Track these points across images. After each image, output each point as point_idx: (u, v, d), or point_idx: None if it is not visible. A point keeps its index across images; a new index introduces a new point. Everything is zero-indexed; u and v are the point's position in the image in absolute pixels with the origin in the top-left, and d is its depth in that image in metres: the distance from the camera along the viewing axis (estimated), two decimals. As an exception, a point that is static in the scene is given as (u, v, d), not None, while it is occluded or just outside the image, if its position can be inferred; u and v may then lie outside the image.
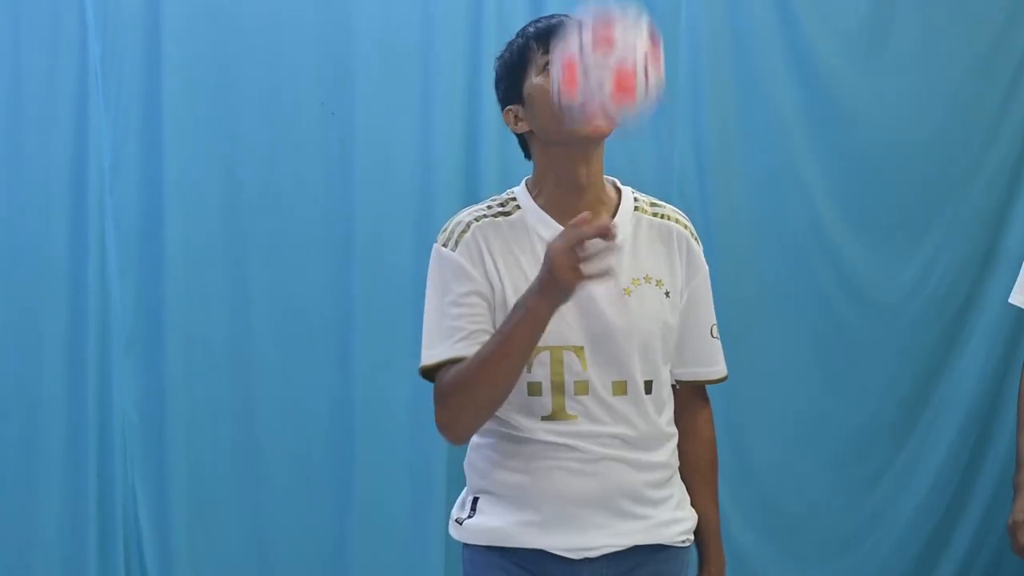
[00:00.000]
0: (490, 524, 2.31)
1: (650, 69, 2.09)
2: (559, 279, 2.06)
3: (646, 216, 2.34)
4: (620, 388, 2.28)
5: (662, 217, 2.35)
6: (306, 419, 3.71)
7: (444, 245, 2.28)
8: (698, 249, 2.38)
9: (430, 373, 2.27)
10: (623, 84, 2.06)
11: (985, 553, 4.03)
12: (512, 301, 2.20)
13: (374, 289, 3.70)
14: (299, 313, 3.71)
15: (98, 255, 3.56)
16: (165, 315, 3.63)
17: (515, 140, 2.35)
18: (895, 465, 4.06)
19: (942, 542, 4.07)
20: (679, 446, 2.39)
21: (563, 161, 2.28)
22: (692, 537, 2.40)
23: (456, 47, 3.73)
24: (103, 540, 3.57)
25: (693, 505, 2.41)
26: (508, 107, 2.30)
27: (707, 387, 2.45)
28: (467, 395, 2.21)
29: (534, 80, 2.25)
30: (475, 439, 2.34)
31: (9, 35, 3.53)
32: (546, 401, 2.26)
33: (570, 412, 2.26)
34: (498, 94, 2.33)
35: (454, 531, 2.38)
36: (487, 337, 2.22)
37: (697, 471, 2.43)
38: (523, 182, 2.35)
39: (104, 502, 3.57)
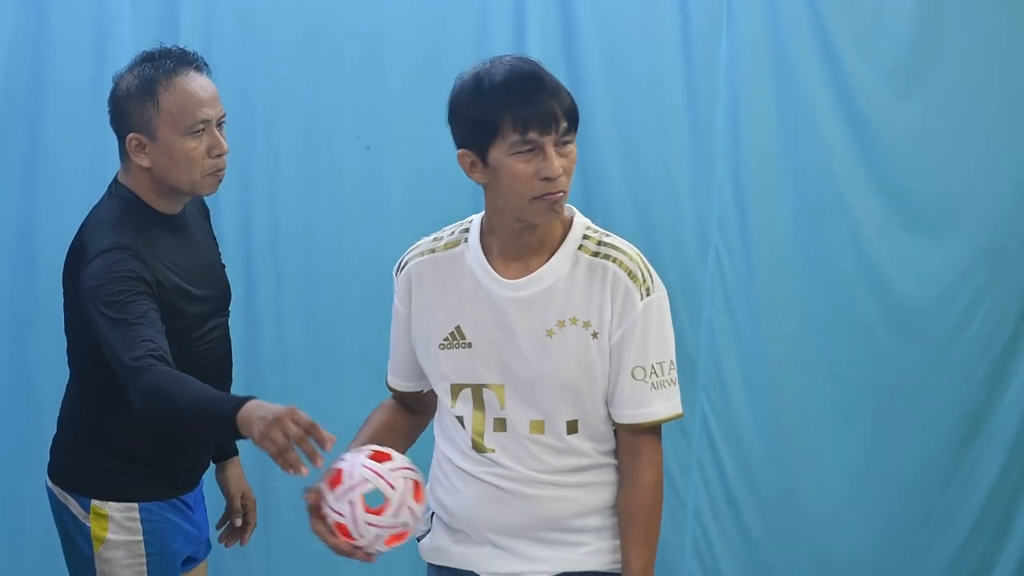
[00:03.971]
0: (436, 543, 2.48)
1: (418, 513, 2.26)
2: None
3: (586, 256, 2.36)
4: (538, 427, 2.37)
5: (604, 257, 2.36)
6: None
7: (395, 274, 2.49)
8: (635, 289, 2.34)
9: None
10: (396, 539, 2.25)
11: None
12: (437, 339, 2.38)
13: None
14: (335, 347, 3.71)
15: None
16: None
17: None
18: (941, 503, 4.01)
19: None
20: (619, 486, 2.41)
21: (510, 220, 2.35)
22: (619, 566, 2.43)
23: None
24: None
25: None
26: (465, 151, 2.32)
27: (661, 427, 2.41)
28: None
29: (506, 159, 2.26)
30: (435, 457, 2.48)
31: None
32: (467, 435, 2.39)
33: (488, 446, 2.38)
34: (452, 126, 2.35)
35: (421, 550, 2.54)
36: (410, 368, 2.49)
37: (625, 515, 2.40)
38: (482, 215, 2.43)
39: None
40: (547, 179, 2.25)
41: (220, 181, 2.76)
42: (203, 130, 2.68)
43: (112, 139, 2.74)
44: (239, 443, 2.89)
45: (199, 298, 2.75)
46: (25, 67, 3.54)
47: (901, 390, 3.96)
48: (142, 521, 2.75)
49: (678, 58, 3.80)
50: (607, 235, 2.41)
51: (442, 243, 2.43)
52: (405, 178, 3.71)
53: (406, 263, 2.45)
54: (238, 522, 3.05)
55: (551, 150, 2.25)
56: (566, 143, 2.28)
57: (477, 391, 2.38)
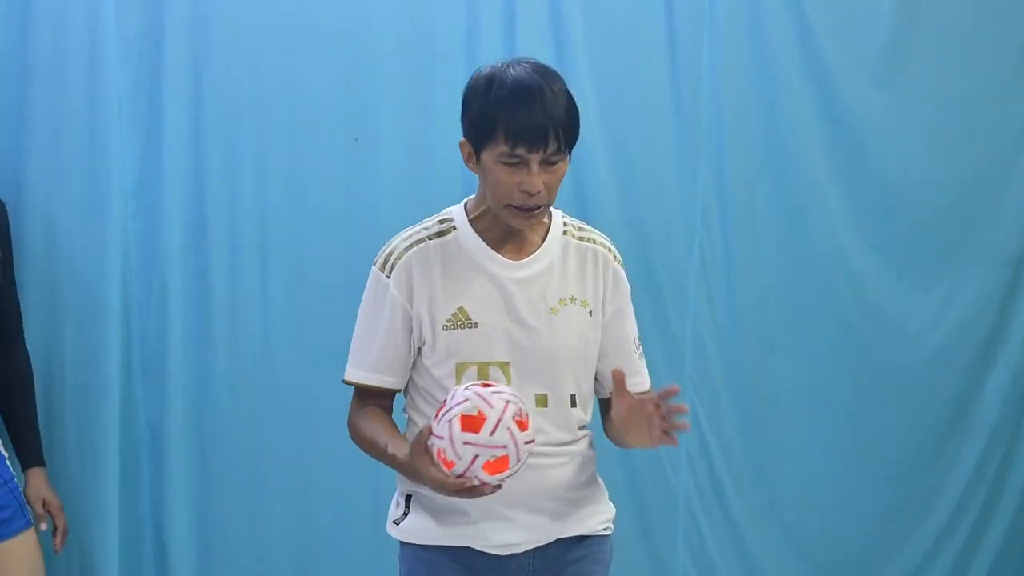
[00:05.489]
0: (423, 523, 2.54)
1: (518, 439, 2.27)
2: (422, 480, 2.31)
3: (573, 240, 2.55)
4: (542, 400, 2.49)
5: (588, 241, 2.56)
6: (328, 444, 3.68)
7: (381, 269, 2.52)
8: (622, 272, 2.60)
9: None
10: (495, 466, 2.27)
11: None
12: (440, 321, 2.45)
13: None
14: (322, 341, 3.68)
15: (120, 281, 3.53)
16: (189, 338, 3.62)
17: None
18: (919, 493, 4.05)
19: (962, 570, 4.07)
20: (612, 418, 2.49)
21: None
22: (612, 526, 2.63)
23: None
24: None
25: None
26: (465, 141, 2.46)
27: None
28: (359, 446, 2.58)
29: (493, 164, 2.39)
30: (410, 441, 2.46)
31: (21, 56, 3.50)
32: None
33: None
34: (461, 114, 2.46)
35: (392, 531, 2.61)
36: (403, 362, 2.51)
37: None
38: (463, 203, 2.56)
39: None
40: (526, 192, 2.37)
41: None
42: None
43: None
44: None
45: None
46: (12, 69, 3.50)
47: (880, 379, 4.00)
48: None
49: (663, 50, 3.81)
50: (579, 223, 2.61)
51: (429, 232, 2.52)
52: (393, 169, 3.69)
53: (399, 256, 2.50)
54: (43, 527, 3.28)
55: (536, 167, 2.36)
56: (555, 161, 2.39)
57: (483, 368, 2.46)
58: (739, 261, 3.89)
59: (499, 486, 2.27)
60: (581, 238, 2.57)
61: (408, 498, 2.58)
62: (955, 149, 4.00)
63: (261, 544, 3.68)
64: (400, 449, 2.41)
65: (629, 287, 2.62)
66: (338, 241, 3.68)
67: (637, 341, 2.65)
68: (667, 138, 3.83)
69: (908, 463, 4.03)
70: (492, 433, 2.23)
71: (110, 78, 3.49)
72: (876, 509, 4.03)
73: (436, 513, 2.53)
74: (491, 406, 2.24)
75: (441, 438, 2.25)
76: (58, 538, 3.32)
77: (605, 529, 2.62)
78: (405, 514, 2.58)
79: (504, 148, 2.35)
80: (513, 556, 2.52)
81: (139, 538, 3.61)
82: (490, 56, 3.65)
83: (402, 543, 2.61)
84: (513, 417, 2.25)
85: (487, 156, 2.39)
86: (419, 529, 2.55)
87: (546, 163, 2.37)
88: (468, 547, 2.52)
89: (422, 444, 2.28)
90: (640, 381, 2.64)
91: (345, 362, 3.60)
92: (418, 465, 2.29)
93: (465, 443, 2.23)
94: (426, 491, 2.46)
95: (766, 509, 3.95)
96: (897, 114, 3.96)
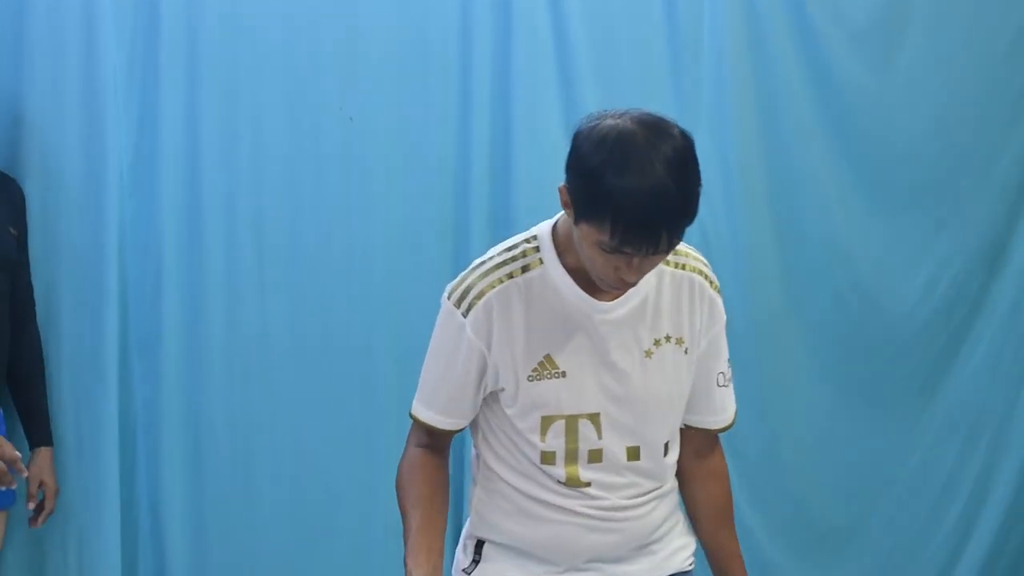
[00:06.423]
0: (501, 574, 2.33)
1: None
2: None
3: (668, 269, 2.26)
4: (633, 454, 2.27)
5: (683, 268, 2.28)
6: (324, 426, 3.70)
7: (456, 306, 2.22)
8: (718, 300, 2.33)
9: None
10: None
11: (1006, 560, 4.06)
12: (524, 370, 2.20)
13: (395, 294, 3.70)
14: (318, 319, 3.70)
15: (116, 260, 3.52)
16: (185, 317, 3.62)
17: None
18: (907, 468, 4.09)
19: (958, 545, 4.10)
20: (697, 487, 2.41)
21: None
22: (694, 559, 2.43)
23: (483, 50, 3.72)
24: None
25: (718, 544, 2.44)
26: (566, 190, 2.10)
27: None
28: (396, 488, 2.30)
29: (591, 244, 2.06)
30: (484, 484, 2.34)
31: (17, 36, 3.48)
32: (559, 471, 2.26)
33: (584, 479, 2.26)
34: (568, 166, 2.10)
35: None
36: (473, 405, 2.26)
37: (722, 510, 2.44)
38: (551, 228, 2.25)
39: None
40: (622, 280, 2.11)
41: None
42: None
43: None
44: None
45: None
46: (8, 50, 3.48)
47: (869, 358, 4.02)
48: None
49: (662, 28, 3.81)
50: None
51: (517, 266, 2.22)
52: (388, 147, 3.69)
53: (481, 292, 2.21)
54: (30, 506, 3.32)
55: (637, 262, 2.07)
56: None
57: (572, 423, 2.23)
58: (742, 238, 3.91)
59: None
60: (676, 265, 2.26)
61: (480, 544, 2.36)
62: (945, 126, 3.99)
63: (255, 519, 3.68)
64: (416, 552, 2.19)
65: (725, 316, 2.34)
66: (334, 220, 3.68)
67: (724, 375, 2.37)
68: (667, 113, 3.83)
69: (894, 439, 4.06)
70: None
71: (106, 58, 3.47)
72: (865, 485, 4.07)
73: (516, 563, 2.33)
74: None
75: None
76: (41, 518, 3.37)
77: (690, 564, 2.43)
78: (476, 562, 2.36)
79: (607, 240, 2.02)
80: None
81: (135, 512, 3.62)
82: (483, 30, 3.69)
83: None
84: None
85: (585, 230, 2.05)
86: None
87: (649, 256, 2.08)
88: None
89: None
90: (714, 420, 2.39)
91: (337, 341, 3.68)
92: None
93: None
94: (502, 537, 2.32)
95: (762, 482, 3.96)
96: (889, 90, 3.96)
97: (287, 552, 3.70)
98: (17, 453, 2.97)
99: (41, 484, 3.34)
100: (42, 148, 3.47)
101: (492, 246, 2.32)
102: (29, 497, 3.32)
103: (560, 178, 2.11)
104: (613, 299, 2.21)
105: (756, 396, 3.87)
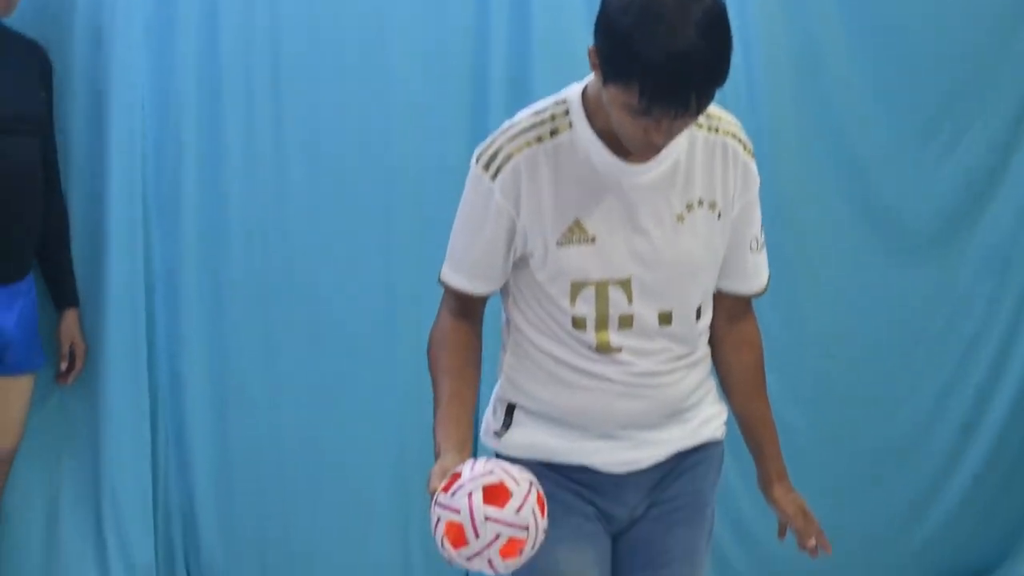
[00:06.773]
0: (533, 439, 2.31)
1: (540, 525, 2.01)
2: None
3: (701, 132, 2.21)
4: (665, 319, 2.25)
5: (716, 131, 2.22)
6: (342, 282, 3.73)
7: (485, 170, 2.18)
8: (752, 164, 2.27)
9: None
10: (509, 550, 1.98)
11: None
12: (554, 235, 2.17)
13: (414, 163, 3.73)
14: (335, 180, 3.71)
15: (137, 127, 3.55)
16: (204, 185, 3.64)
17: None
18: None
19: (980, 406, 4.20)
20: (730, 352, 2.40)
21: None
22: (725, 427, 2.43)
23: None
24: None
25: (750, 411, 2.44)
26: (596, 52, 2.04)
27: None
28: (428, 358, 2.28)
29: (619, 106, 2.01)
30: (514, 350, 2.32)
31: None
32: (590, 336, 2.24)
33: (615, 345, 2.24)
34: (596, 23, 2.03)
35: (490, 441, 2.37)
36: (503, 269, 2.23)
37: (753, 377, 2.43)
38: (581, 91, 2.20)
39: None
40: (651, 143, 2.06)
41: None
42: None
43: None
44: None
45: None
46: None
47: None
48: None
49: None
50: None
51: (546, 130, 2.17)
52: (409, 17, 3.68)
53: (509, 155, 2.17)
54: (63, 366, 3.47)
55: (666, 125, 2.02)
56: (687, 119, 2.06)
57: (602, 288, 2.21)
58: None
59: None
60: (709, 128, 2.21)
61: (511, 408, 2.35)
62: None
63: (274, 369, 3.74)
64: (445, 423, 2.17)
65: (759, 180, 2.29)
66: (353, 88, 3.67)
67: (758, 240, 2.34)
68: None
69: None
70: (519, 511, 1.97)
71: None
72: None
73: (548, 428, 2.31)
74: (517, 483, 1.98)
75: (457, 512, 1.96)
76: (72, 376, 3.50)
77: (721, 433, 2.43)
78: (507, 425, 2.34)
79: (635, 103, 1.97)
80: (631, 473, 2.33)
81: (155, 376, 3.68)
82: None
83: (500, 455, 2.33)
84: (538, 500, 2.00)
85: (613, 93, 2.01)
86: (527, 445, 2.31)
87: (678, 119, 2.03)
88: (585, 466, 2.31)
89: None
90: (747, 285, 2.36)
91: (356, 210, 3.68)
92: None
93: (487, 519, 1.95)
94: (533, 403, 2.30)
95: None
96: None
97: (307, 406, 3.77)
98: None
99: (73, 344, 3.47)
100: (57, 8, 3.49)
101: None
102: (62, 358, 3.46)
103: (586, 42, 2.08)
104: (643, 163, 2.16)
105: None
